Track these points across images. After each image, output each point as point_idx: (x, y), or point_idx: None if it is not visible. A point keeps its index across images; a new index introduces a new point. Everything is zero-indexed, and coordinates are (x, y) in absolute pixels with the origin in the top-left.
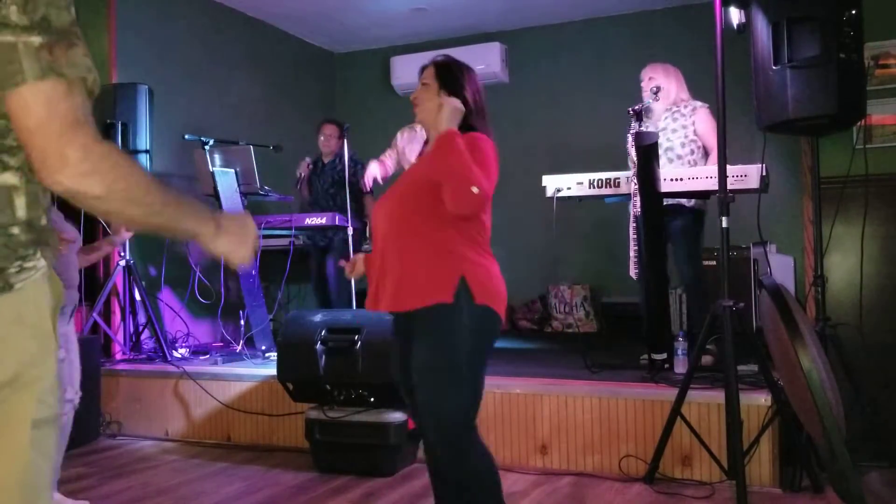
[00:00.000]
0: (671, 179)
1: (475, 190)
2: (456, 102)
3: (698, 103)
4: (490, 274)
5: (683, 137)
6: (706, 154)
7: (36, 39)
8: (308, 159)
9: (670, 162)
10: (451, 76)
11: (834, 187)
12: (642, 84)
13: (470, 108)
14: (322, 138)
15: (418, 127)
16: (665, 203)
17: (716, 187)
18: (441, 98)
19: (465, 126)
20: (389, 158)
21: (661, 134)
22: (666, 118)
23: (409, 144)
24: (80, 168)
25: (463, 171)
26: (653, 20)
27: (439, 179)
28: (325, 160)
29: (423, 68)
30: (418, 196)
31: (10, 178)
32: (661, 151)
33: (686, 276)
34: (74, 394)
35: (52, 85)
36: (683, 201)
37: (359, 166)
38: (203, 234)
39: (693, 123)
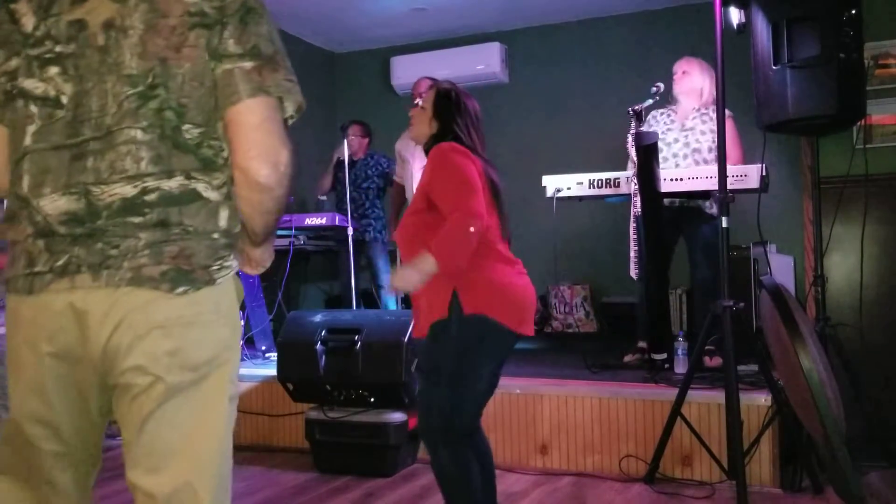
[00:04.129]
0: (671, 179)
1: (472, 230)
2: (407, 277)
3: (726, 112)
4: (488, 280)
5: (711, 142)
6: None
7: (248, 64)
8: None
9: (696, 164)
10: (446, 107)
11: (834, 187)
12: (675, 77)
13: (461, 139)
14: (351, 138)
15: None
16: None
17: (716, 187)
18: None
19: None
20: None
21: (688, 133)
22: (694, 118)
23: (413, 157)
24: (284, 170)
25: (451, 246)
26: (653, 20)
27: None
28: (356, 158)
29: (429, 87)
30: (416, 223)
31: (215, 195)
32: (687, 151)
33: (700, 274)
34: None
35: (263, 101)
36: (706, 207)
37: (392, 164)
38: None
39: None
